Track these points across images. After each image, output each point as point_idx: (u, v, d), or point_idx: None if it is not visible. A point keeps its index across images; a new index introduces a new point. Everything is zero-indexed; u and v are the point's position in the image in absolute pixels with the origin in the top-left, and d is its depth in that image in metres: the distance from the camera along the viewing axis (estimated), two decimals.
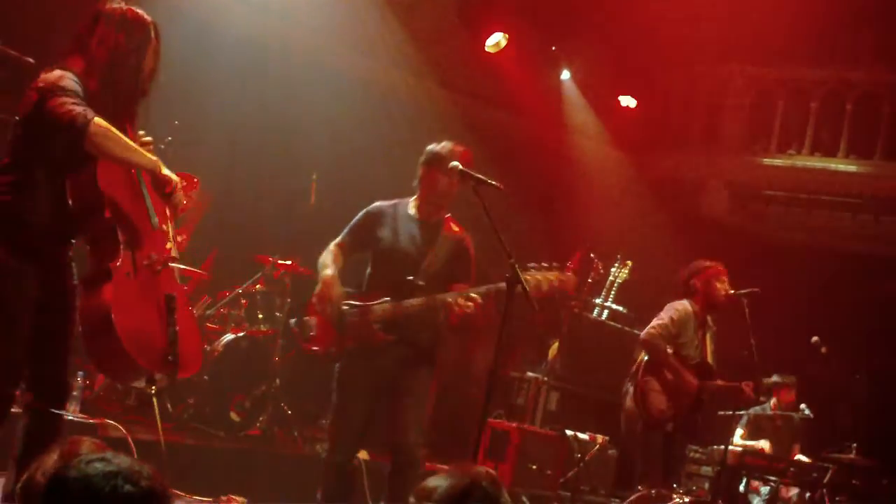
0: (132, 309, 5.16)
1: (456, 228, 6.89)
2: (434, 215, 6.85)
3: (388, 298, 6.60)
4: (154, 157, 5.22)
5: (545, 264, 6.55)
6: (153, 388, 5.42)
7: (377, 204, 6.96)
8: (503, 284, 6.05)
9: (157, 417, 6.09)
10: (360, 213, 6.96)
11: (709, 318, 9.30)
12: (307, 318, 6.82)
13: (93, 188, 5.11)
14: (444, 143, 6.77)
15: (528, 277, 6.22)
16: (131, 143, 5.10)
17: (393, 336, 6.59)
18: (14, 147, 5.12)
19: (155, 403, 6.04)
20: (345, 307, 6.65)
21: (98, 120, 4.88)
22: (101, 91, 5.15)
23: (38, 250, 5.07)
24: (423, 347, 6.71)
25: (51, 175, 5.09)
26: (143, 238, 5.28)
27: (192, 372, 5.73)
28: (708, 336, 9.29)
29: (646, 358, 9.15)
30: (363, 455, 8.49)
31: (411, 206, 6.88)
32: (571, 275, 6.65)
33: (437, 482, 3.07)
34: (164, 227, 5.42)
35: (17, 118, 5.11)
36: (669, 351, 8.97)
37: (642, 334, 9.12)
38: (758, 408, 11.95)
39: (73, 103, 4.89)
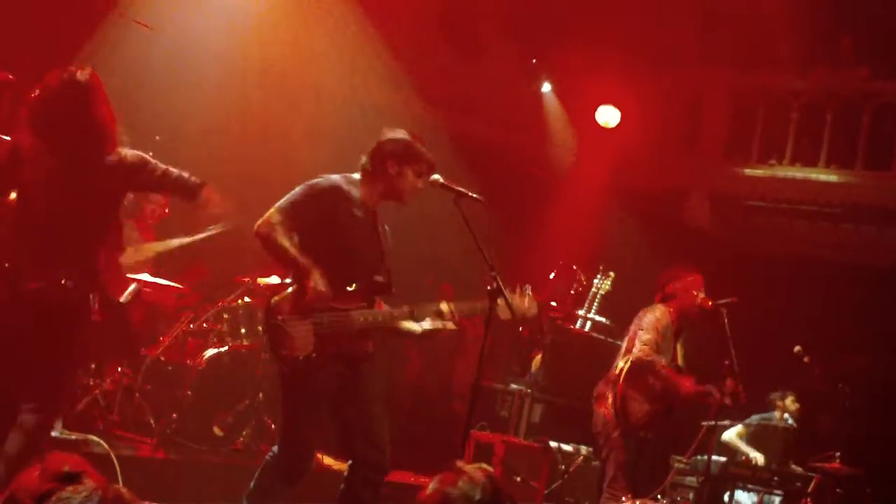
0: None
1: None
2: (377, 204, 6.40)
3: (363, 304, 6.19)
4: None
5: (521, 287, 6.49)
6: None
7: (332, 178, 6.30)
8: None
9: None
10: (311, 188, 6.24)
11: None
12: (282, 316, 6.08)
13: None
14: (405, 134, 6.43)
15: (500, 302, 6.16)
16: None
17: (373, 345, 6.27)
18: None
19: None
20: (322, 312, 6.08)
21: None
22: None
23: None
24: (381, 353, 6.41)
25: None
26: None
27: None
28: (679, 343, 9.28)
29: (620, 364, 9.13)
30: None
31: (359, 188, 6.33)
32: (535, 301, 6.55)
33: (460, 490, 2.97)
34: None
35: None
36: (662, 360, 8.94)
37: (636, 353, 8.96)
38: (757, 416, 12.05)
39: None
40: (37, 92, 5.91)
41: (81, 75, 5.90)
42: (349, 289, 6.18)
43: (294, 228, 6.12)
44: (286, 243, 6.04)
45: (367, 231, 6.31)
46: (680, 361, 9.19)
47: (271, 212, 6.13)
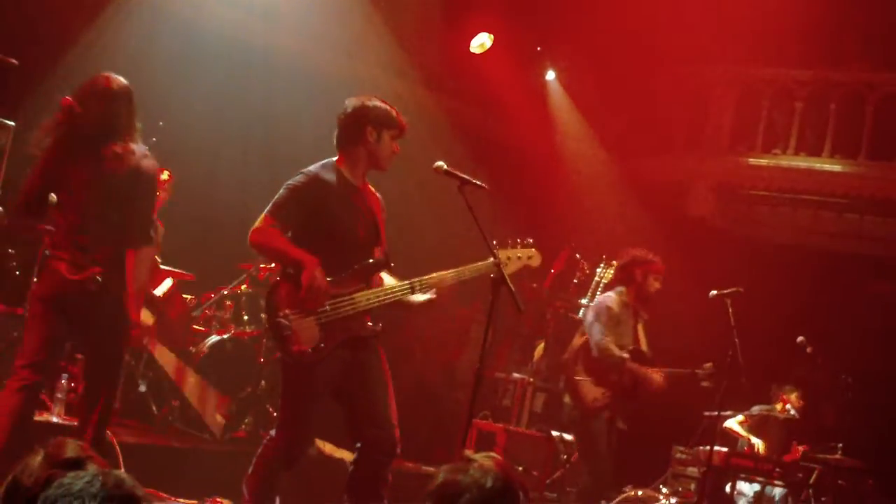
0: None
1: (371, 188, 6.49)
2: (364, 177, 6.39)
3: (363, 284, 6.17)
4: None
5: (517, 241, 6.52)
6: None
7: (309, 171, 6.24)
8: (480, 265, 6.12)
9: None
10: (292, 187, 6.18)
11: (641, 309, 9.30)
12: (284, 312, 6.02)
13: None
14: (376, 100, 6.40)
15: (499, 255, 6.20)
16: None
17: (379, 325, 6.26)
18: None
19: None
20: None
21: None
22: None
23: None
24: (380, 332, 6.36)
25: None
26: None
27: None
28: (640, 325, 9.26)
29: (574, 343, 9.15)
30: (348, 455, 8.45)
31: (342, 170, 6.29)
32: (537, 251, 6.56)
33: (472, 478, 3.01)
34: None
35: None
36: (625, 355, 8.93)
37: (599, 353, 8.93)
38: (758, 407, 12.05)
39: None
40: (72, 97, 6.11)
41: (115, 83, 6.17)
42: (346, 272, 6.14)
43: (285, 229, 6.12)
44: (280, 244, 6.08)
45: (356, 211, 6.28)
46: (643, 346, 9.19)
47: (259, 220, 6.14)
